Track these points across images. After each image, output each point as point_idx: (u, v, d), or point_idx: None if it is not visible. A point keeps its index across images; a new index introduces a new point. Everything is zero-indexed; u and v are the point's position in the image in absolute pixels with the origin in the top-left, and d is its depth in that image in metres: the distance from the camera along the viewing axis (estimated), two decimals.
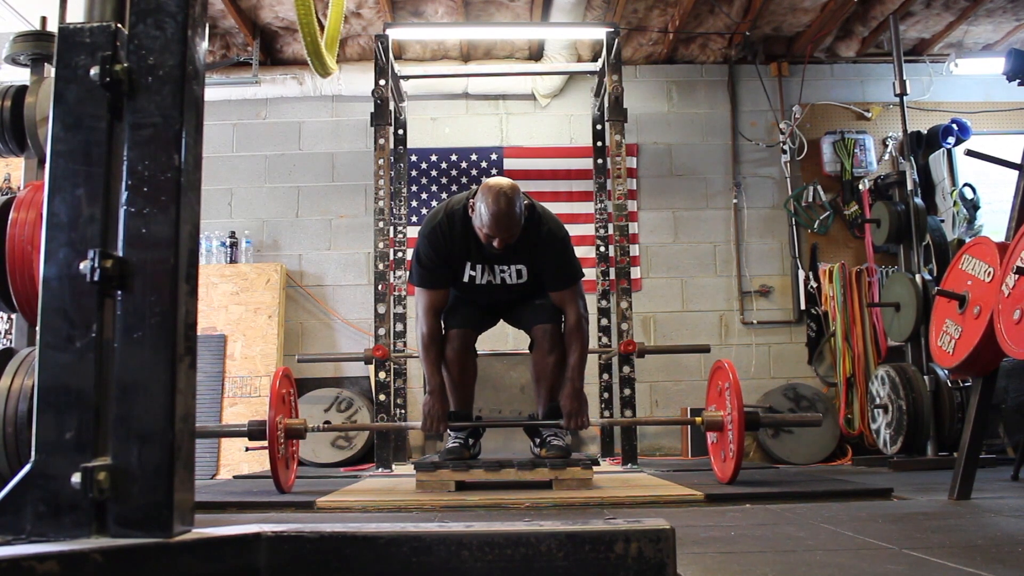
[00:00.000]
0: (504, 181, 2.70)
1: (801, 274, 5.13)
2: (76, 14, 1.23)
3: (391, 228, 4.23)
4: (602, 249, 4.74)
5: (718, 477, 2.98)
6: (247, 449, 3.05)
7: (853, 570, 1.40)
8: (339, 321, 5.11)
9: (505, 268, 2.86)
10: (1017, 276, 2.19)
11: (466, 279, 2.87)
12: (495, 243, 2.69)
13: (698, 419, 2.96)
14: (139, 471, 1.04)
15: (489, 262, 2.85)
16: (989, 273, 2.38)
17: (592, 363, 4.90)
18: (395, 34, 4.56)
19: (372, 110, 4.07)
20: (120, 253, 1.09)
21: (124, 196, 1.10)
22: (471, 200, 2.74)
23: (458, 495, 2.65)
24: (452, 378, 2.97)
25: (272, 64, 5.29)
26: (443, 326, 2.97)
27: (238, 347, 4.73)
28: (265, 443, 2.77)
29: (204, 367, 4.61)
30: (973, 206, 4.99)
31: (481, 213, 2.66)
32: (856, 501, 2.51)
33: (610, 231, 4.41)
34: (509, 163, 5.24)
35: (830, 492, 2.64)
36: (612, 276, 4.27)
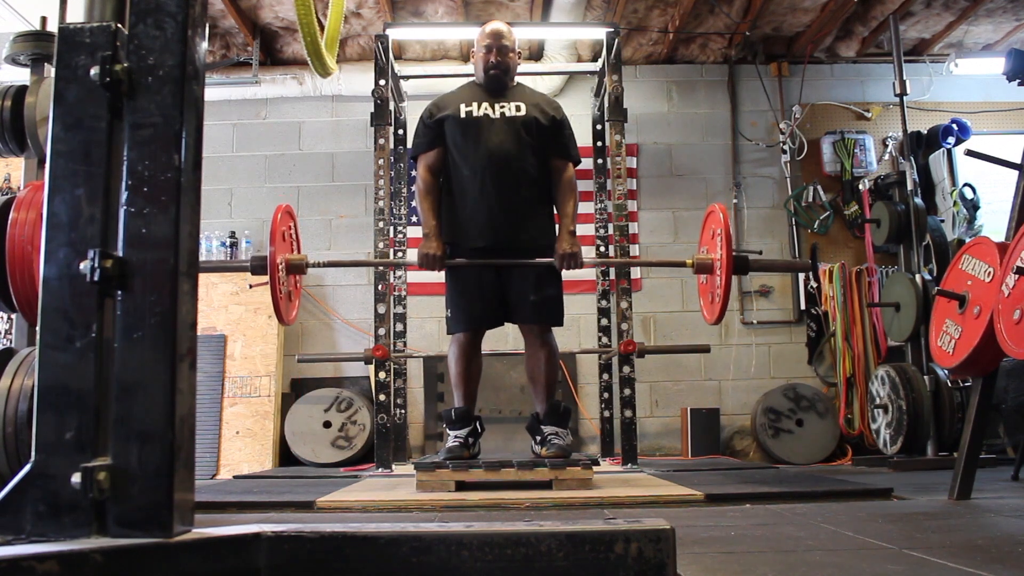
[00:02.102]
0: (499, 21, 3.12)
1: (801, 274, 5.12)
2: (76, 14, 1.23)
3: (391, 228, 4.23)
4: (602, 249, 4.74)
5: (706, 319, 3.03)
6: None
7: (853, 570, 1.40)
8: (339, 321, 5.11)
9: (504, 104, 3.01)
10: (1017, 276, 2.19)
11: (463, 115, 2.98)
12: (492, 59, 2.98)
13: (689, 260, 2.99)
14: (139, 471, 1.04)
15: (488, 99, 3.01)
16: (989, 273, 2.38)
17: (592, 363, 4.92)
18: (395, 34, 4.56)
19: (372, 110, 4.06)
20: (120, 253, 1.09)
21: (124, 196, 1.10)
22: (472, 50, 3.16)
23: (458, 495, 2.65)
24: (459, 376, 3.02)
25: (272, 64, 5.29)
26: (448, 329, 3.07)
27: (238, 347, 4.73)
28: (267, 278, 2.86)
29: (204, 367, 4.61)
30: (973, 206, 4.99)
31: (479, 38, 3.06)
32: (856, 501, 2.52)
33: (610, 231, 4.40)
34: None
35: (830, 492, 2.65)
36: (612, 276, 4.27)
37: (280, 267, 2.91)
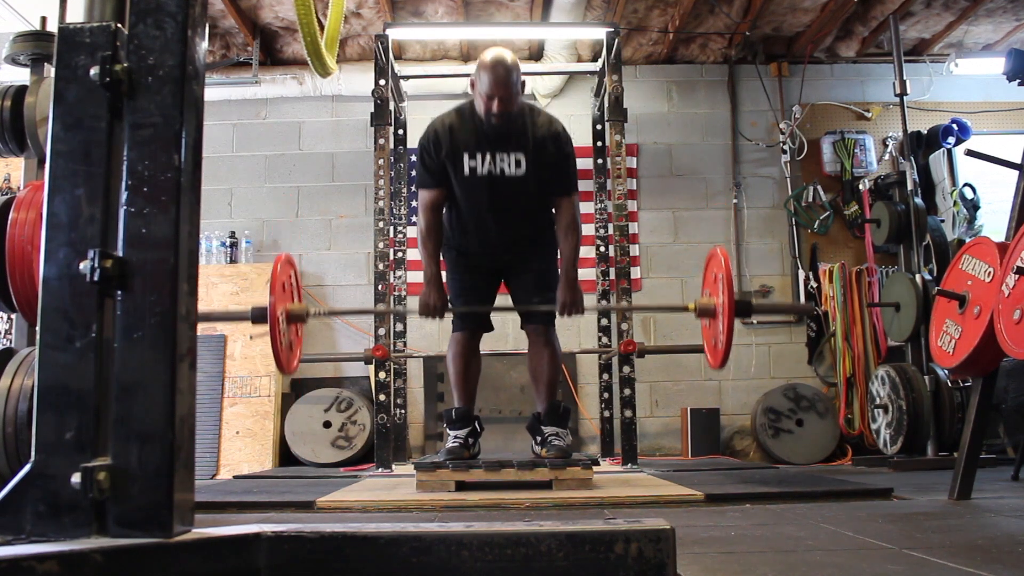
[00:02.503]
0: (503, 49, 2.81)
1: (801, 274, 5.12)
2: (76, 14, 1.23)
3: (391, 228, 4.23)
4: (602, 249, 4.74)
5: (710, 364, 2.98)
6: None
7: (853, 570, 1.40)
8: (339, 321, 5.11)
9: (504, 156, 2.86)
10: (1017, 276, 2.19)
11: (466, 171, 2.87)
12: (495, 107, 2.73)
13: (691, 305, 2.98)
14: (139, 471, 1.04)
15: (489, 148, 2.85)
16: (989, 273, 2.38)
17: (592, 363, 4.92)
18: (395, 34, 4.56)
19: (372, 110, 4.06)
20: (120, 253, 1.09)
21: (124, 196, 1.10)
22: (471, 79, 2.82)
23: (458, 495, 2.65)
24: (458, 375, 3.02)
25: (272, 64, 5.29)
26: (453, 327, 3.03)
27: (238, 347, 4.73)
28: (267, 328, 2.82)
29: (204, 367, 4.60)
30: (973, 206, 4.99)
31: (480, 78, 2.75)
32: (856, 501, 2.51)
33: (610, 231, 4.41)
34: None
35: (830, 492, 2.64)
36: (612, 276, 4.27)
37: (281, 317, 2.87)
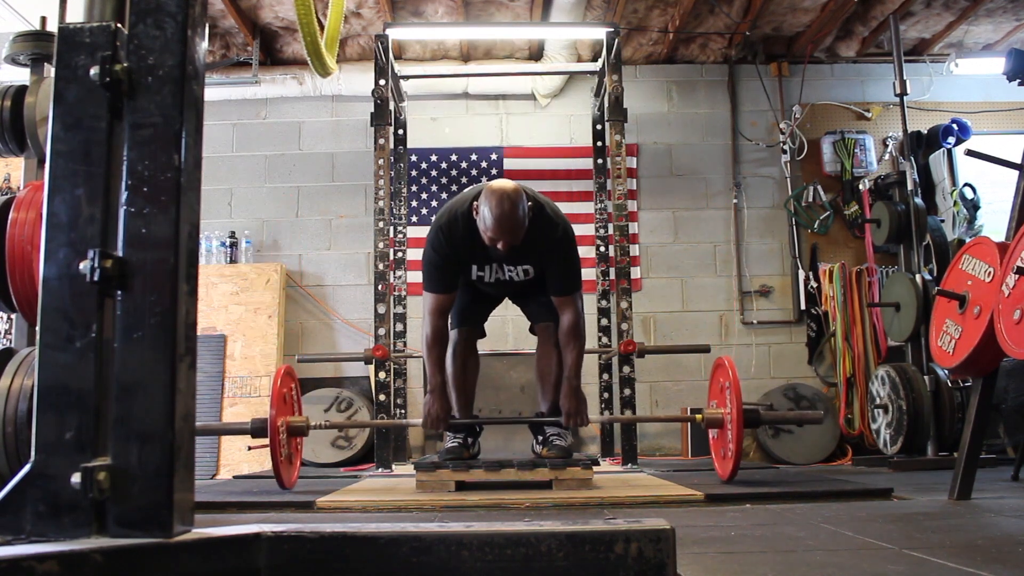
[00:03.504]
0: (508, 184, 2.69)
1: (801, 274, 5.13)
2: (76, 14, 1.23)
3: (391, 228, 4.23)
4: (602, 249, 4.74)
5: (719, 475, 2.98)
6: (250, 448, 3.05)
7: (853, 570, 1.40)
8: (339, 321, 5.11)
9: (512, 268, 2.89)
10: (1017, 276, 2.19)
11: (474, 277, 2.93)
12: (499, 246, 2.68)
13: (699, 416, 2.97)
14: (139, 471, 1.04)
15: (497, 262, 2.87)
16: (989, 273, 2.38)
17: (592, 363, 4.91)
18: (395, 34, 4.56)
19: (372, 110, 4.06)
20: (120, 253, 1.08)
21: (124, 196, 1.10)
22: (475, 203, 2.72)
23: (458, 495, 2.65)
24: (455, 375, 3.00)
25: (272, 64, 5.29)
26: (450, 326, 3.01)
27: (238, 347, 4.73)
28: (267, 441, 2.78)
29: (204, 367, 4.61)
30: (973, 206, 4.99)
31: (484, 217, 2.66)
32: (856, 501, 2.51)
33: (610, 231, 4.41)
34: (509, 163, 5.24)
35: (830, 492, 2.64)
36: (612, 276, 4.27)
37: (281, 430, 2.84)
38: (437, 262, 2.83)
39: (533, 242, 2.77)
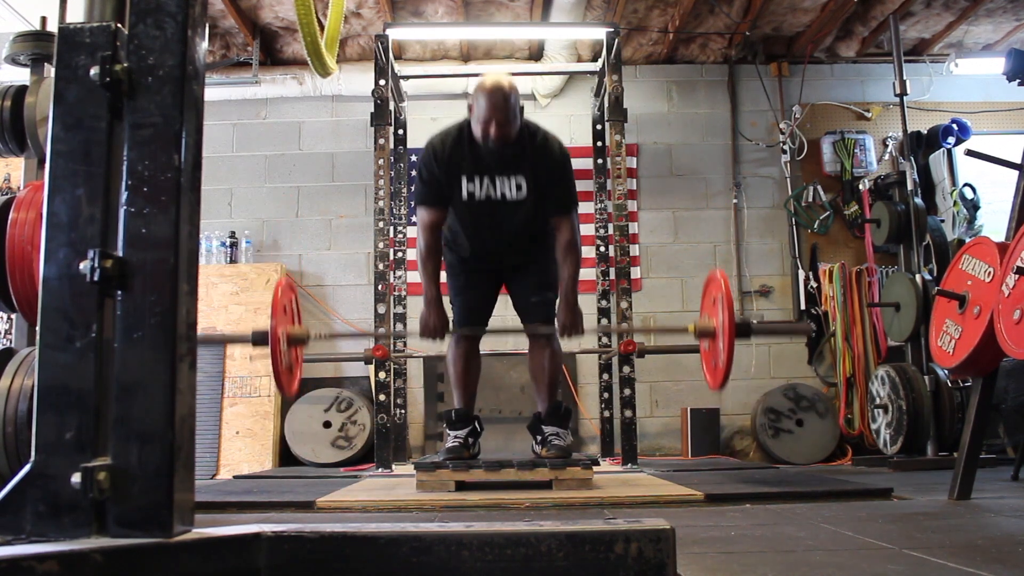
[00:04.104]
0: (502, 74, 2.75)
1: (801, 274, 5.13)
2: (76, 14, 1.23)
3: (391, 228, 4.23)
4: (602, 249, 4.74)
5: (709, 385, 2.97)
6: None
7: (853, 570, 1.40)
8: (339, 321, 5.11)
9: (505, 180, 2.82)
10: (1017, 276, 2.19)
11: (465, 196, 2.84)
12: (492, 133, 2.67)
13: (690, 327, 2.97)
14: (139, 471, 1.04)
15: (488, 172, 2.81)
16: (989, 273, 2.38)
17: (592, 363, 4.92)
18: (395, 34, 4.56)
19: (372, 110, 4.06)
20: (120, 253, 1.08)
21: (124, 196, 1.10)
22: (469, 103, 2.76)
23: (458, 495, 2.65)
24: (458, 375, 3.03)
25: (272, 64, 5.29)
26: (450, 327, 3.00)
27: (238, 347, 4.72)
28: (267, 350, 2.81)
29: (204, 367, 4.60)
30: (973, 206, 4.99)
31: (478, 103, 2.69)
32: (856, 501, 2.51)
33: (610, 231, 4.41)
34: None
35: (830, 492, 2.64)
36: (612, 276, 4.27)
37: (281, 340, 2.88)
38: (430, 169, 2.84)
39: (525, 151, 2.79)
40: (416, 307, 4.90)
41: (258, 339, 2.85)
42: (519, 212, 2.87)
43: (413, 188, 2.98)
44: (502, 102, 2.66)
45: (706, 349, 3.05)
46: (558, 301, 2.94)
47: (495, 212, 2.86)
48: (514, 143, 2.75)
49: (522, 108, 2.77)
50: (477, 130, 2.73)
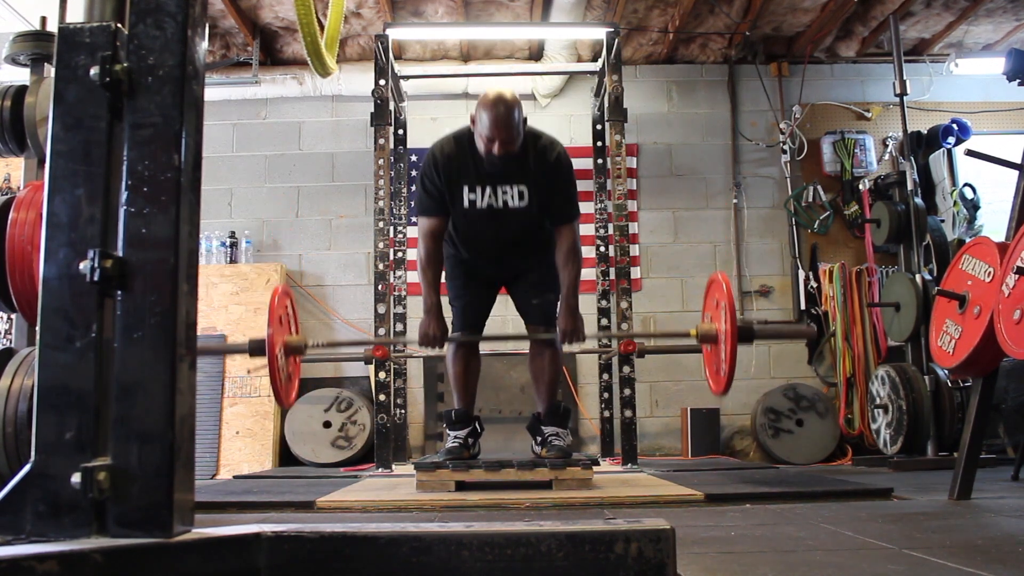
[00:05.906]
0: (505, 88, 2.72)
1: (801, 274, 5.12)
2: (76, 14, 1.23)
3: (391, 228, 4.23)
4: (602, 249, 4.75)
5: (712, 390, 2.98)
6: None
7: (853, 570, 1.40)
8: (339, 321, 5.11)
9: (507, 189, 2.81)
10: (1017, 276, 2.19)
11: (466, 204, 2.82)
12: (495, 149, 2.67)
13: (692, 331, 2.97)
14: (139, 471, 1.04)
15: (490, 181, 2.80)
16: (989, 273, 2.38)
17: (592, 363, 4.92)
18: (395, 34, 4.56)
19: (372, 110, 4.06)
20: (120, 253, 1.08)
21: (124, 196, 1.10)
22: (472, 115, 2.75)
23: (458, 495, 2.65)
24: (457, 377, 3.03)
25: (272, 64, 5.29)
26: (449, 329, 2.99)
27: None
28: (265, 361, 2.80)
29: (204, 367, 4.60)
30: (973, 206, 4.99)
31: (481, 118, 2.68)
32: (856, 501, 2.51)
33: (610, 231, 4.41)
34: None
35: (830, 492, 2.65)
36: (612, 276, 4.27)
37: (279, 350, 2.87)
38: (431, 178, 2.83)
39: (528, 159, 2.77)
40: (416, 307, 4.90)
41: (255, 349, 2.84)
42: (520, 219, 2.87)
43: (415, 193, 2.95)
44: (506, 118, 2.64)
45: (708, 352, 3.05)
46: (559, 304, 2.94)
47: (496, 220, 2.86)
48: (517, 153, 2.74)
49: (525, 120, 2.75)
50: (480, 145, 2.72)
